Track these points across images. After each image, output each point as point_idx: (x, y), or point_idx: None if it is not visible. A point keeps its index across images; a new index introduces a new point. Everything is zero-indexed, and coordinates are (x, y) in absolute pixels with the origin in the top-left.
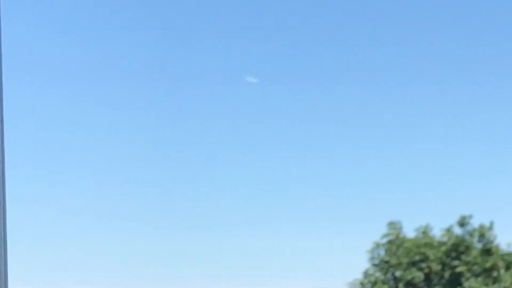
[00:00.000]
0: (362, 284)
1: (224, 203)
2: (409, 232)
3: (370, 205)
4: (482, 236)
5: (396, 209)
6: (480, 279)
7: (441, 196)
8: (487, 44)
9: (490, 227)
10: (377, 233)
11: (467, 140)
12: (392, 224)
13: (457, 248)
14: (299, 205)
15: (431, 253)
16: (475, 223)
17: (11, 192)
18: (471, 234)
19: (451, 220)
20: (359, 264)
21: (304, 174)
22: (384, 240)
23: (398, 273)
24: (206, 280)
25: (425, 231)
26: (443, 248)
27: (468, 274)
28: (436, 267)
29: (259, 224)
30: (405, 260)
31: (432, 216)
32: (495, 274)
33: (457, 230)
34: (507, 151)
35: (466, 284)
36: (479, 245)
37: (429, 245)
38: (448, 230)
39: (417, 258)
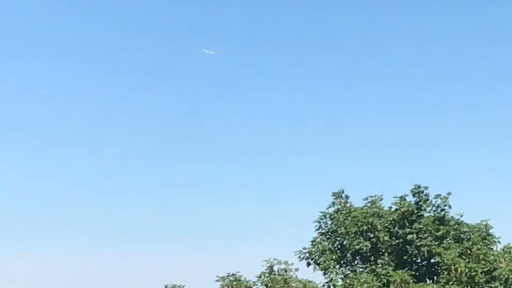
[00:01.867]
0: (310, 253)
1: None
2: (358, 202)
3: (321, 174)
4: (435, 205)
5: (348, 179)
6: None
7: (396, 167)
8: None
9: (446, 197)
10: (326, 203)
11: (424, 111)
12: (336, 194)
13: (409, 217)
14: (252, 172)
15: (378, 223)
16: (430, 194)
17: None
18: (423, 202)
19: (404, 191)
20: (308, 233)
21: (255, 140)
22: (331, 210)
23: (345, 242)
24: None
25: (374, 201)
26: (392, 217)
27: (418, 242)
28: (383, 236)
29: (211, 190)
30: (352, 229)
31: (384, 187)
32: (445, 243)
33: (411, 200)
34: (465, 121)
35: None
36: (431, 215)
37: (377, 214)
38: (401, 198)
39: (364, 227)
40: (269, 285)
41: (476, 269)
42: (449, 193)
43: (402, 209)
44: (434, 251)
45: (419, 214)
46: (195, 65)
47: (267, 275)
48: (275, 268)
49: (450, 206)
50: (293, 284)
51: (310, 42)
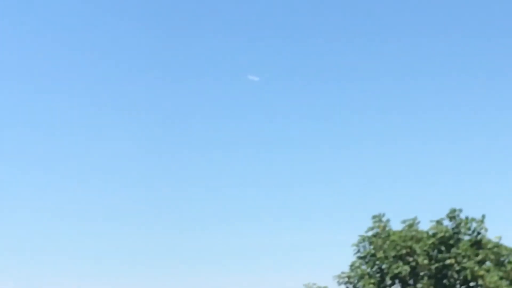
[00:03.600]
0: (349, 277)
1: (216, 201)
2: (396, 225)
3: (357, 199)
4: (471, 229)
5: (384, 203)
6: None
7: (431, 190)
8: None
9: (481, 220)
10: (364, 227)
11: (458, 136)
12: (376, 217)
13: (446, 241)
14: (287, 202)
15: (417, 247)
16: (464, 217)
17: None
18: (460, 226)
19: (440, 214)
20: (346, 257)
21: (292, 171)
22: (370, 233)
23: (384, 266)
24: (198, 276)
25: (411, 224)
26: (431, 241)
27: (457, 266)
28: (422, 260)
29: (247, 221)
30: (391, 253)
31: (420, 210)
32: (485, 267)
33: (447, 223)
34: (499, 147)
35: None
36: (468, 238)
37: (416, 238)
38: (438, 223)
39: (403, 251)
40: None
41: None
42: (483, 216)
43: (439, 234)
44: (475, 274)
45: (457, 238)
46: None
47: None
48: None
49: (486, 229)
50: None
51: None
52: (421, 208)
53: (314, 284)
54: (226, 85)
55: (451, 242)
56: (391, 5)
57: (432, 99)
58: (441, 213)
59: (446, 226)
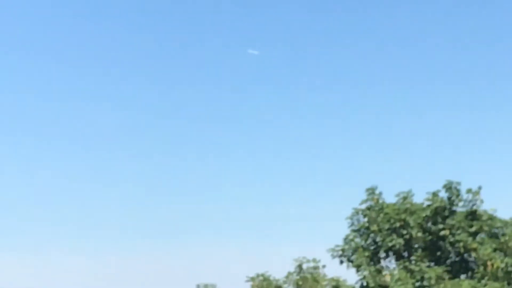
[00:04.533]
0: (343, 250)
1: (211, 171)
2: (391, 198)
3: (351, 171)
4: (466, 201)
5: (378, 175)
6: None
7: (427, 163)
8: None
9: (477, 192)
10: (357, 199)
11: (454, 108)
12: (370, 190)
13: (441, 212)
14: (281, 173)
15: (411, 219)
16: (462, 189)
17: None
18: (455, 197)
19: (436, 187)
20: (340, 231)
21: (287, 142)
22: (363, 206)
23: (378, 239)
24: (199, 244)
25: (406, 197)
26: (425, 213)
27: (452, 238)
28: (416, 233)
29: (241, 191)
30: (385, 226)
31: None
32: (479, 238)
33: (443, 195)
34: (494, 119)
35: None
36: (463, 210)
37: (410, 211)
38: (434, 194)
39: (397, 224)
40: (299, 283)
41: None
42: (480, 187)
43: (434, 205)
44: (469, 246)
45: (451, 209)
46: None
47: (295, 274)
48: (304, 266)
49: (482, 201)
50: (324, 283)
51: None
52: (416, 181)
53: (304, 257)
54: (225, 58)
55: (446, 213)
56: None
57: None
58: (437, 186)
59: (442, 197)
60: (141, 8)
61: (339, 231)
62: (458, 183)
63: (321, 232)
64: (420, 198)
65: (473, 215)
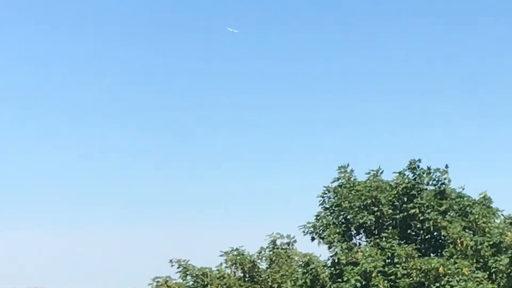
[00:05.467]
0: (314, 227)
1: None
2: (360, 176)
3: (323, 149)
4: (435, 179)
5: (347, 153)
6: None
7: (392, 141)
8: None
9: (445, 171)
10: (328, 177)
11: (420, 87)
12: (342, 168)
13: (410, 191)
14: (252, 147)
15: (382, 197)
16: (426, 167)
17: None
18: (421, 177)
19: (403, 164)
20: (311, 208)
21: (258, 116)
22: (335, 184)
23: (349, 217)
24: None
25: (375, 174)
26: (395, 191)
27: (421, 216)
28: (387, 210)
29: (213, 168)
30: (356, 203)
31: (383, 160)
32: (448, 217)
33: (409, 174)
34: (462, 96)
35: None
36: (432, 188)
37: (381, 188)
38: (401, 174)
39: (368, 201)
40: (272, 258)
41: (482, 242)
42: (447, 166)
43: (402, 185)
44: (439, 225)
45: (419, 189)
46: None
47: (270, 249)
48: (278, 242)
49: (449, 180)
50: (297, 258)
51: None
52: (385, 160)
53: (278, 233)
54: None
55: (414, 192)
56: None
57: (395, 47)
58: (404, 164)
59: (408, 177)
60: None
61: (310, 208)
62: (420, 161)
63: (294, 210)
64: (388, 176)
65: (442, 194)
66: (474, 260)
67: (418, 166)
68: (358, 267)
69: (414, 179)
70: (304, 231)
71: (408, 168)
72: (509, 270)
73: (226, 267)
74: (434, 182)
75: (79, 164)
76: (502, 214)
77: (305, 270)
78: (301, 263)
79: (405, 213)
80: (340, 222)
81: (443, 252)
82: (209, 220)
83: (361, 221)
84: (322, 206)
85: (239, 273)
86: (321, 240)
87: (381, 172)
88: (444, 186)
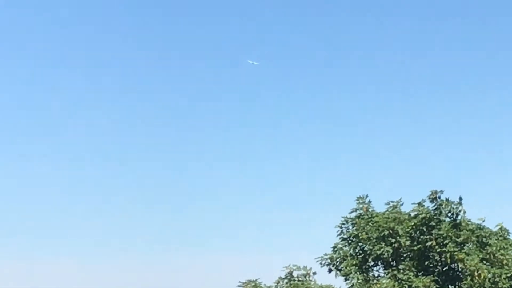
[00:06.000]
0: (331, 259)
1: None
2: (379, 207)
3: (342, 180)
4: (451, 211)
5: (366, 184)
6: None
7: (413, 172)
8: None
9: (459, 202)
10: (347, 208)
11: (437, 118)
12: (360, 199)
13: (428, 223)
14: (270, 179)
15: (399, 228)
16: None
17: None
18: (440, 208)
19: (423, 195)
20: (329, 239)
21: (280, 150)
22: (353, 215)
23: (367, 248)
24: (180, 254)
25: (395, 206)
26: (413, 222)
27: (439, 248)
28: (405, 241)
29: (231, 198)
30: (374, 235)
31: (402, 192)
32: (466, 248)
33: (428, 205)
34: (478, 129)
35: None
36: (448, 220)
37: (398, 220)
38: (420, 204)
39: (386, 232)
40: None
41: (500, 274)
42: (461, 198)
43: (421, 215)
44: (456, 257)
45: (438, 220)
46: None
47: (286, 281)
48: (295, 274)
49: (464, 211)
50: None
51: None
52: (404, 191)
53: (295, 265)
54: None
55: (432, 223)
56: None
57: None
58: (423, 195)
59: (427, 208)
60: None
61: (328, 239)
62: (442, 192)
63: (311, 241)
64: (407, 207)
65: (459, 225)
66: None
67: (439, 197)
68: None
69: (434, 210)
70: (321, 263)
71: (429, 198)
72: None
73: None
74: (450, 214)
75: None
76: None
77: None
78: None
79: (423, 245)
80: (358, 253)
81: (461, 285)
82: (226, 250)
83: (378, 252)
84: (340, 236)
85: None
86: (338, 272)
87: (401, 204)
88: (460, 217)
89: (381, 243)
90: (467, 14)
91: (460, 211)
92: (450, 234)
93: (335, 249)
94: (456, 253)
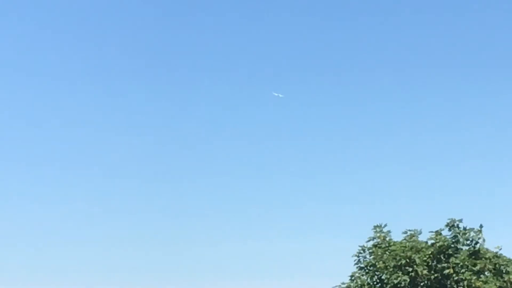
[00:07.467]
0: (349, 287)
1: (221, 208)
2: (397, 236)
3: (359, 209)
4: (469, 239)
5: (384, 213)
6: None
7: (430, 200)
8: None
9: (479, 230)
10: (364, 237)
11: (457, 146)
12: (377, 227)
13: (445, 251)
14: (287, 209)
15: (417, 257)
16: (463, 227)
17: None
18: (458, 236)
19: (441, 225)
20: (346, 268)
21: (296, 181)
22: (370, 244)
23: (384, 277)
24: (201, 282)
25: (412, 235)
26: (430, 251)
27: (456, 276)
28: (422, 270)
29: (248, 228)
30: (391, 263)
31: (420, 221)
32: (483, 277)
33: (446, 233)
34: (498, 156)
35: None
36: (466, 248)
37: (415, 248)
38: (437, 233)
39: (403, 261)
40: None
41: None
42: (481, 226)
43: (438, 244)
44: (473, 285)
45: (456, 248)
46: None
47: None
48: None
49: (484, 240)
50: None
51: None
52: (421, 219)
53: None
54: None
55: (450, 252)
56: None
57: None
58: (442, 224)
59: (445, 236)
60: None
61: (346, 269)
62: (460, 221)
63: (328, 270)
64: (425, 236)
65: (476, 254)
66: None
67: (458, 225)
68: None
69: (452, 238)
70: None
71: (447, 226)
72: None
73: None
74: (468, 242)
75: None
76: None
77: None
78: None
79: (440, 273)
80: (375, 282)
81: None
82: (244, 280)
83: (395, 281)
84: (357, 265)
85: None
86: None
87: (420, 233)
88: (478, 245)
89: (398, 272)
90: None
91: (479, 238)
92: (466, 262)
93: (353, 278)
94: (473, 281)
